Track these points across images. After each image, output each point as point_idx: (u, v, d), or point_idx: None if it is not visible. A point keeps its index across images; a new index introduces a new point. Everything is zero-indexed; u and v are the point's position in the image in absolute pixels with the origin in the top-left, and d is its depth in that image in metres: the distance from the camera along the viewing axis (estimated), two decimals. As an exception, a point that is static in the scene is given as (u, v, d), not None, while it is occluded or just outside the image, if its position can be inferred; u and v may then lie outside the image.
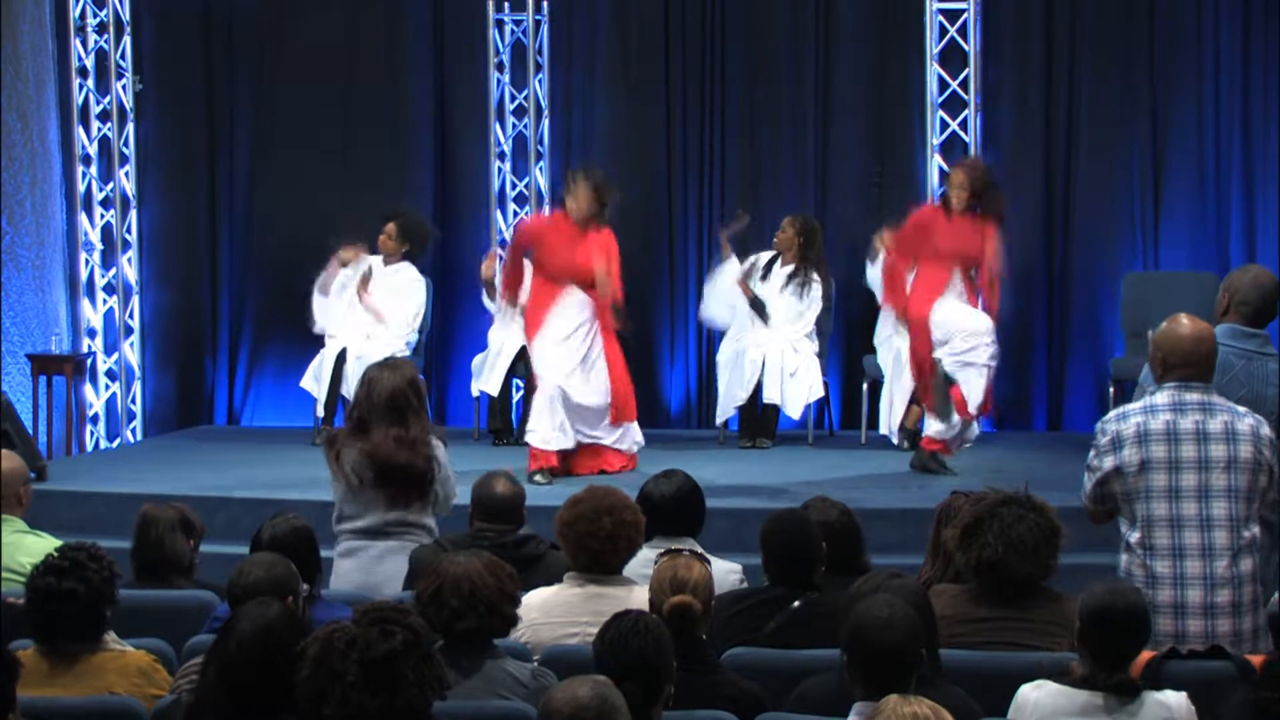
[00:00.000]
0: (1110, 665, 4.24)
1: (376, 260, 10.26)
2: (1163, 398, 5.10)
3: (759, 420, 10.15)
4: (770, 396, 10.03)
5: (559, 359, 8.85)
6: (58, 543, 5.15)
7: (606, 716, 3.67)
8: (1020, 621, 4.85)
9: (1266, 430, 5.06)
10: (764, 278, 10.21)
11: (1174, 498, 5.01)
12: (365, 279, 10.12)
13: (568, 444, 8.88)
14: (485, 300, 10.55)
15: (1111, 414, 5.18)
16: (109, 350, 11.53)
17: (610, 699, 3.69)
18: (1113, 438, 5.10)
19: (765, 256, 10.28)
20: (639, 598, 4.92)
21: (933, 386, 8.58)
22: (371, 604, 3.88)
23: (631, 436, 9.12)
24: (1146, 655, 4.57)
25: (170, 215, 11.67)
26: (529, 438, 8.89)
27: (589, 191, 8.84)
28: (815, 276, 10.17)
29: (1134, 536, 5.07)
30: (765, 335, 10.13)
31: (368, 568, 6.16)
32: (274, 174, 11.60)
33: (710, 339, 10.92)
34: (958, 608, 4.94)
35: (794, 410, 10.15)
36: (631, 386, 9.11)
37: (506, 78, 11.40)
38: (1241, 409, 5.10)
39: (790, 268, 10.18)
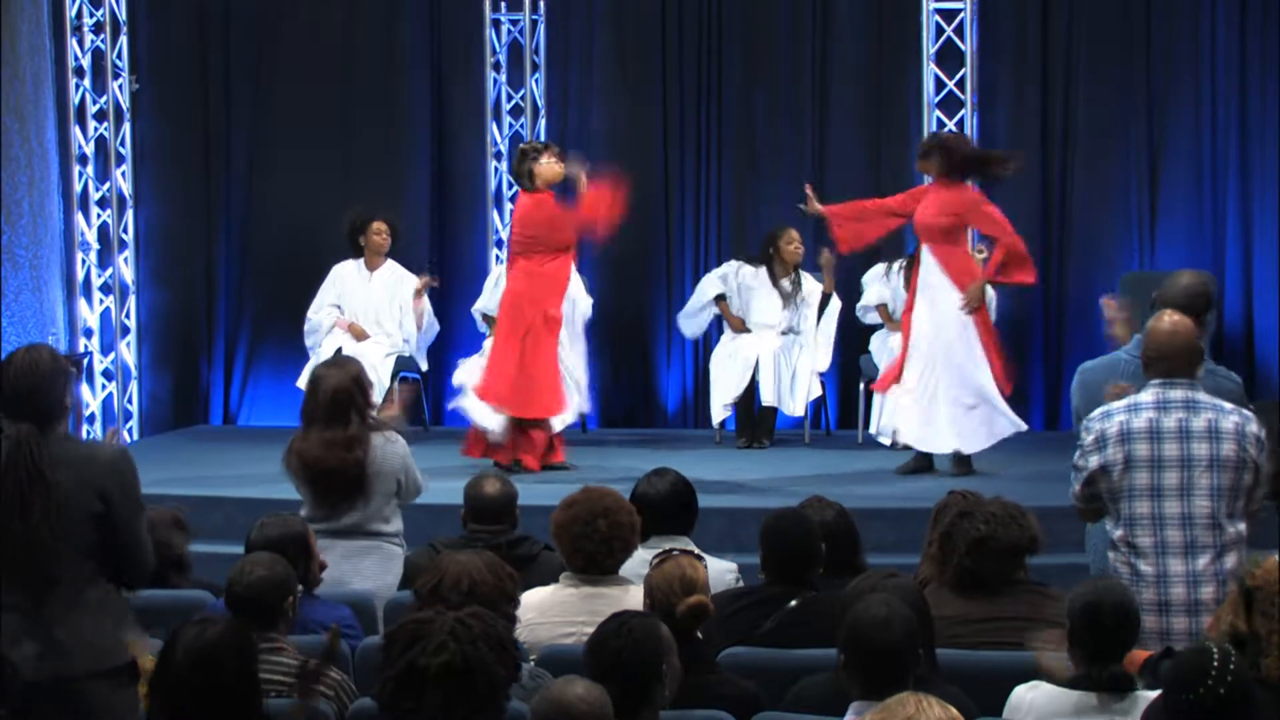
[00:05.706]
0: (1101, 663, 4.24)
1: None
2: (1147, 395, 5.11)
3: (756, 420, 10.14)
4: (767, 399, 10.02)
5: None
6: None
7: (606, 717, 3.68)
8: (1017, 621, 4.86)
9: (1253, 428, 5.06)
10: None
11: (1156, 496, 5.02)
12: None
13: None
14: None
15: (1096, 412, 5.18)
16: (105, 350, 11.52)
17: (605, 701, 3.70)
18: (1097, 436, 5.11)
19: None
20: (635, 598, 4.91)
21: None
22: (472, 611, 3.75)
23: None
24: (1142, 655, 4.57)
25: (167, 215, 11.66)
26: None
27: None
28: (805, 281, 10.25)
29: (1118, 534, 5.09)
30: (759, 336, 10.14)
31: (335, 563, 6.08)
32: (270, 174, 11.58)
33: (707, 339, 10.90)
34: (954, 607, 4.94)
35: (796, 408, 10.14)
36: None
37: (503, 77, 11.39)
38: (1228, 406, 5.11)
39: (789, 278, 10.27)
